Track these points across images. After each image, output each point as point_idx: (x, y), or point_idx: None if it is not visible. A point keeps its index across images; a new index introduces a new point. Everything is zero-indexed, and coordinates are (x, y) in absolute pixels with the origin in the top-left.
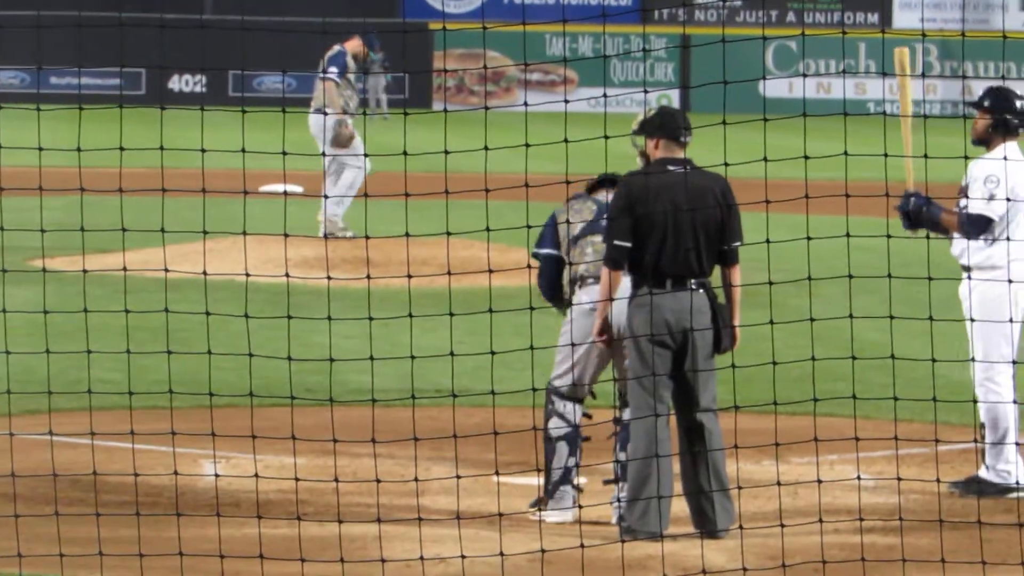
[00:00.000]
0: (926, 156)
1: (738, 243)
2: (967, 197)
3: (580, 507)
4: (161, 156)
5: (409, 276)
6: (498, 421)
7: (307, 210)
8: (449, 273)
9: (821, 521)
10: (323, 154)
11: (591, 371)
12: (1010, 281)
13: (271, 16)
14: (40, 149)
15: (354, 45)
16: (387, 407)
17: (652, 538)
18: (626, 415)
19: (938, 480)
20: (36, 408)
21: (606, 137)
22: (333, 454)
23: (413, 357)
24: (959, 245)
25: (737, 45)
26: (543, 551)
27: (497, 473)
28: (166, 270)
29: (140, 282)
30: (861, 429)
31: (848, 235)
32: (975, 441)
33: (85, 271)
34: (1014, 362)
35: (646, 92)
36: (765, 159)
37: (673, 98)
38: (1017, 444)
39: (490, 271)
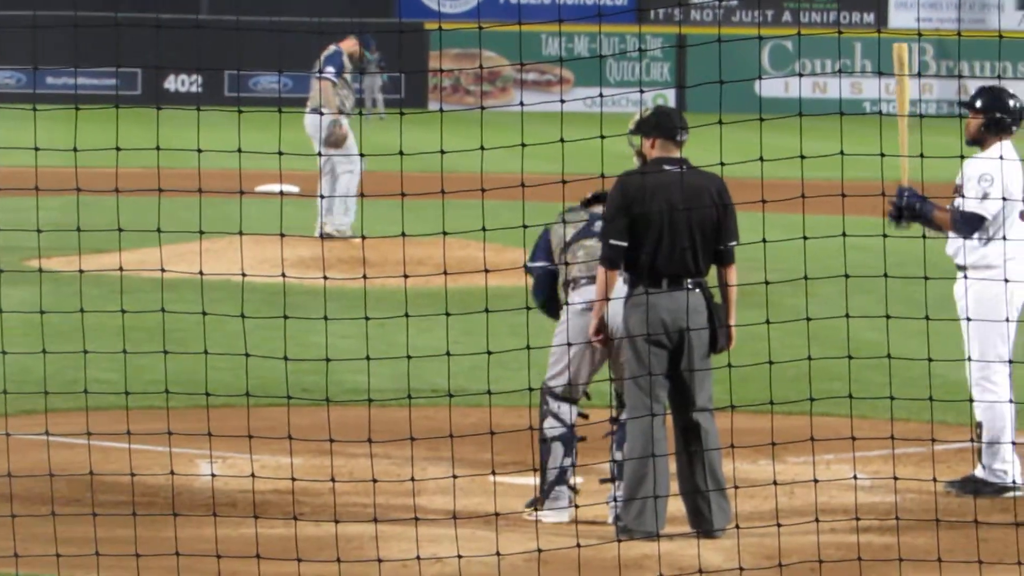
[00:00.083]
0: (922, 156)
1: (734, 243)
2: (962, 196)
3: (576, 507)
4: (157, 156)
5: (405, 276)
6: (494, 421)
7: (303, 210)
8: (445, 273)
9: (817, 520)
10: (319, 154)
11: (586, 371)
12: (1007, 280)
13: (267, 16)
14: (36, 149)
15: (350, 45)
16: (383, 407)
17: (648, 538)
18: (623, 415)
19: (934, 479)
20: (32, 408)
21: (602, 137)
22: (329, 454)
23: (409, 357)
24: (953, 244)
25: (733, 45)
26: (539, 551)
27: (493, 473)
28: (162, 270)
29: (136, 282)
30: (857, 428)
31: (844, 235)
32: (971, 440)
33: (81, 271)
34: (1010, 361)
35: (642, 92)
36: (761, 159)
37: (669, 98)
38: (1013, 443)
39: (486, 271)
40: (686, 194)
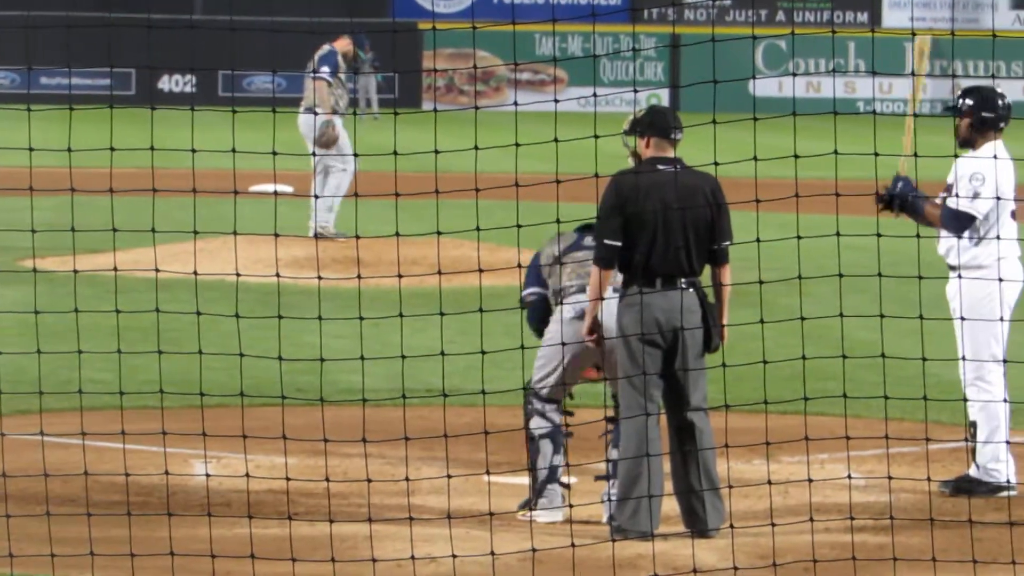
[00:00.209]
0: (916, 155)
1: (728, 242)
2: (954, 195)
3: (570, 506)
4: (151, 156)
5: (399, 276)
6: (488, 421)
7: (297, 210)
8: (439, 272)
9: (812, 520)
10: (312, 154)
11: (571, 377)
12: (1000, 280)
13: (261, 16)
14: (31, 149)
15: (343, 45)
16: (378, 407)
17: (643, 537)
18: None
19: (929, 479)
20: (27, 408)
21: (596, 136)
22: (324, 454)
23: (403, 357)
24: (945, 244)
25: (727, 44)
26: (534, 550)
27: (488, 472)
28: (156, 270)
29: (131, 282)
30: (852, 428)
31: (838, 234)
32: (966, 440)
33: (76, 271)
34: (1004, 361)
35: (636, 91)
36: (755, 158)
37: (663, 97)
38: (1008, 443)
39: (480, 270)
40: (680, 193)
